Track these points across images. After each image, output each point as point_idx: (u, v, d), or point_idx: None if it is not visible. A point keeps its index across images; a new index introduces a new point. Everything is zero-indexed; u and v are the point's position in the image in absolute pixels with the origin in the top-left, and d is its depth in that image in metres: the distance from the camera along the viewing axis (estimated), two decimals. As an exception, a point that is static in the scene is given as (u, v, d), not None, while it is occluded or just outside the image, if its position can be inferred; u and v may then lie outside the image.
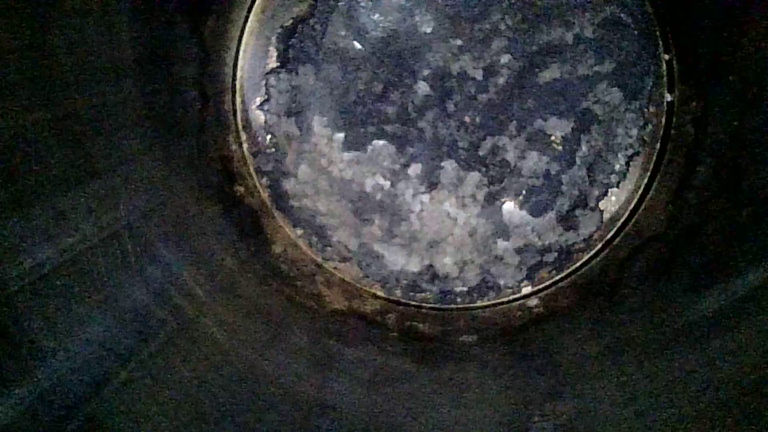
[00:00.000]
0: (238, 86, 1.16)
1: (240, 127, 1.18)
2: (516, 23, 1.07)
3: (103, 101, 0.80)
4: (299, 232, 1.17)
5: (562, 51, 1.07)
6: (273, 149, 1.16)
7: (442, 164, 1.13)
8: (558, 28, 1.06)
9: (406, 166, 1.14)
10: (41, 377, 0.61)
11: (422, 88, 1.11)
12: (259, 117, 1.16)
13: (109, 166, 0.80)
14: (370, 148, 1.13)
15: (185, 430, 0.71)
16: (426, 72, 1.10)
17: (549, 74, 1.09)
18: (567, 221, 1.13)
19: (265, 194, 1.18)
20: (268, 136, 1.16)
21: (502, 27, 1.07)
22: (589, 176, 1.11)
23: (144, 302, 0.79)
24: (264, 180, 1.17)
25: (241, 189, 1.16)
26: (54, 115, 0.70)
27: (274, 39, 1.13)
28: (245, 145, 1.18)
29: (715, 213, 0.87)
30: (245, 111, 1.17)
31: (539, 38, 1.07)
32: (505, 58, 1.09)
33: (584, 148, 1.10)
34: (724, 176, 0.88)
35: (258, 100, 1.15)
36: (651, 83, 1.06)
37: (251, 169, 1.19)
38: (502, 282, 1.15)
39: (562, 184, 1.12)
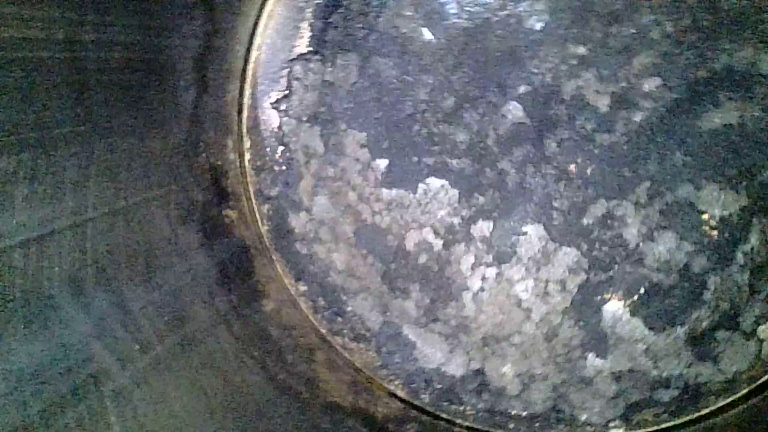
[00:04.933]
0: (249, 73, 1.04)
1: (245, 129, 1.05)
2: (678, 31, 0.88)
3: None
4: (302, 288, 1.05)
5: (749, 84, 0.88)
6: (284, 167, 1.03)
7: (524, 229, 0.96)
8: (747, 47, 0.87)
9: (470, 222, 0.98)
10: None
11: (514, 111, 0.95)
12: (272, 118, 1.04)
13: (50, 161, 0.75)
14: (422, 187, 0.99)
15: None
16: (523, 88, 0.95)
17: (719, 117, 0.89)
18: (702, 346, 0.93)
19: (263, 227, 1.06)
20: (281, 148, 1.03)
21: (655, 35, 0.90)
22: (750, 285, 0.90)
23: (84, 338, 0.76)
24: (265, 208, 1.05)
25: (233, 215, 1.04)
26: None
27: (309, 12, 1.01)
28: (247, 156, 1.05)
29: None
30: (255, 108, 1.04)
31: (713, 59, 0.88)
32: (651, 84, 0.90)
33: (753, 240, 0.90)
34: None
35: (274, 96, 1.03)
36: None
37: (250, 191, 1.06)
38: (582, 416, 0.97)
39: (706, 289, 0.92)
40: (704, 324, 0.92)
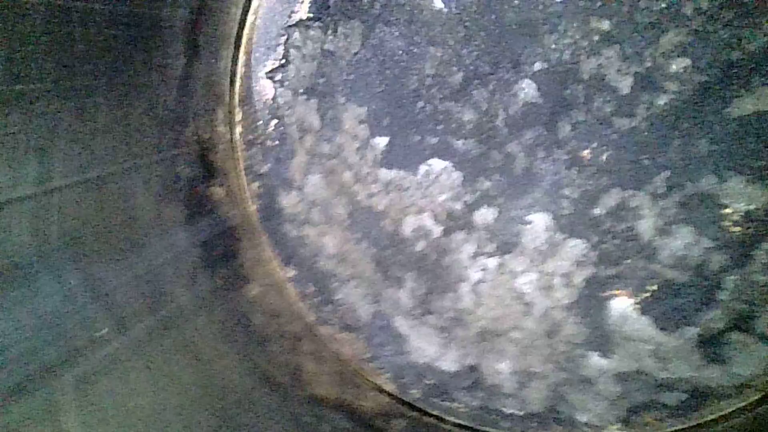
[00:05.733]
0: (244, 39, 0.99)
1: (237, 100, 1.01)
2: (713, 7, 0.82)
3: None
4: (290, 272, 1.01)
5: None
6: (277, 142, 0.99)
7: (530, 218, 0.91)
8: (786, 29, 0.82)
9: (472, 208, 0.93)
10: None
11: (527, 90, 0.90)
12: (266, 89, 0.99)
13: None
14: (423, 169, 0.94)
15: None
16: (538, 65, 0.89)
17: (751, 104, 0.83)
18: (714, 348, 0.88)
19: (252, 207, 1.01)
20: (274, 122, 0.99)
21: (687, 10, 0.84)
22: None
23: (51, 316, 0.74)
24: (255, 185, 1.01)
25: (220, 192, 1.00)
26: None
27: (311, -27, 0.96)
28: (238, 129, 1.01)
29: None
30: (248, 77, 0.99)
31: (749, 40, 0.82)
32: (679, 65, 0.85)
33: None
34: None
35: (269, 65, 0.98)
36: None
37: (240, 167, 1.01)
38: (581, 417, 0.93)
39: (722, 288, 0.87)
40: (717, 325, 0.88)
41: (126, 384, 0.79)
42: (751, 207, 0.86)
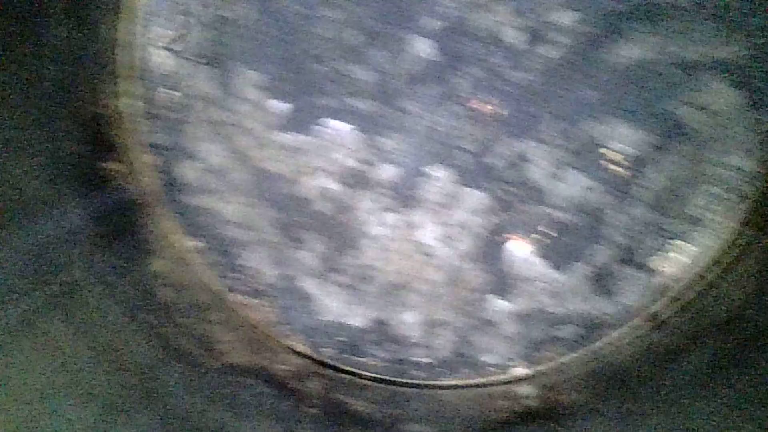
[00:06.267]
0: (140, 8, 0.96)
1: (130, 72, 0.98)
2: None
3: None
4: (195, 243, 0.99)
5: (661, 17, 0.86)
6: (175, 112, 0.97)
7: (429, 170, 0.94)
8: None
9: (372, 165, 0.95)
10: None
11: (422, 48, 0.92)
12: (162, 59, 0.97)
13: None
14: (322, 130, 0.95)
15: None
16: (433, 24, 0.91)
17: (629, 51, 0.88)
18: (600, 281, 0.94)
19: (151, 179, 0.99)
20: (172, 92, 0.97)
21: None
22: (644, 219, 0.92)
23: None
24: (153, 158, 0.98)
25: (116, 167, 0.98)
26: None
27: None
28: (134, 101, 0.98)
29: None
30: (142, 48, 0.97)
31: None
32: (568, 18, 0.87)
33: (651, 173, 0.91)
34: None
35: (166, 34, 0.96)
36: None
37: (137, 139, 0.99)
38: (485, 358, 0.97)
39: (604, 224, 0.92)
40: (602, 259, 0.94)
41: (12, 361, 0.77)
42: (628, 148, 0.92)
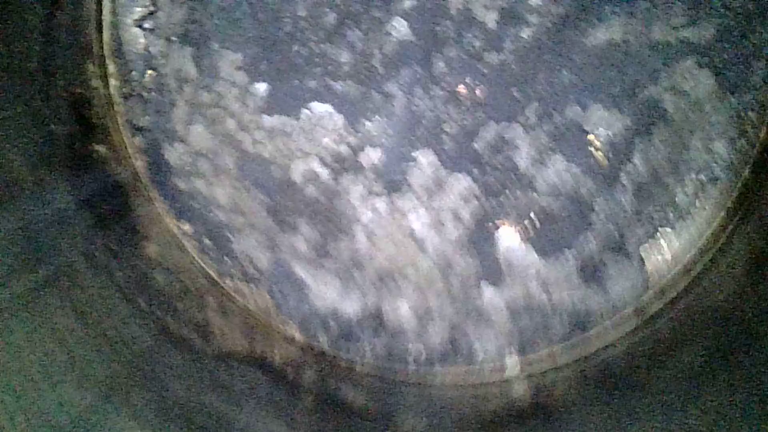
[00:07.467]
0: None
1: (107, 51, 0.97)
2: None
3: None
4: (186, 227, 0.99)
5: None
6: (154, 93, 0.96)
7: (414, 155, 0.93)
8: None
9: (357, 149, 0.94)
10: None
11: (399, 28, 0.90)
12: (137, 38, 0.95)
13: None
14: (306, 113, 0.93)
15: None
16: (408, 3, 0.90)
17: (604, 33, 0.86)
18: (590, 270, 0.92)
19: (137, 162, 0.98)
20: (149, 72, 0.95)
21: None
22: (633, 206, 0.90)
23: None
24: (137, 140, 0.97)
25: (102, 150, 0.97)
26: None
27: None
28: (112, 82, 0.97)
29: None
30: (116, 26, 0.95)
31: None
32: None
33: (636, 160, 0.89)
34: None
35: (137, 12, 0.95)
36: (764, 72, 0.84)
37: (119, 121, 0.98)
38: (479, 349, 0.95)
39: (593, 212, 0.91)
40: (591, 247, 0.92)
41: (7, 342, 0.77)
42: (611, 132, 0.89)
